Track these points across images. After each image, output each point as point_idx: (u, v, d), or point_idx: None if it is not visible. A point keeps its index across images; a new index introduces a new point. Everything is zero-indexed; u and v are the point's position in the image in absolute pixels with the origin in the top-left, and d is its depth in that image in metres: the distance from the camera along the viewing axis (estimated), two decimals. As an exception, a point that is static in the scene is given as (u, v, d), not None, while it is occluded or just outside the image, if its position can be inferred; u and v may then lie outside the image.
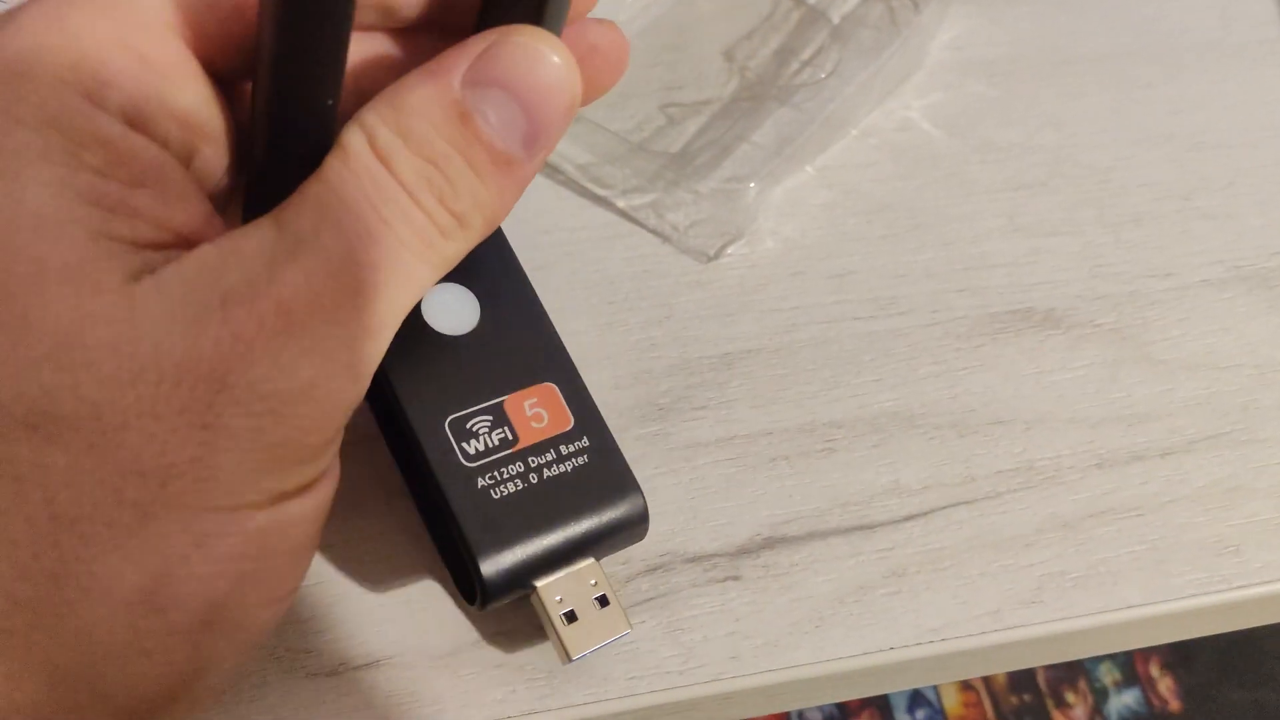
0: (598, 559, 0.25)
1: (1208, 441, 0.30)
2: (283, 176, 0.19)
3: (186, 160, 0.20)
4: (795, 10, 0.35)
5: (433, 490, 0.24)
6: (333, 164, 0.19)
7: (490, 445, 0.24)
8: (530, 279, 0.27)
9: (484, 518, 0.24)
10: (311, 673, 0.25)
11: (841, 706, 0.90)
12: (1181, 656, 0.94)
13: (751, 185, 0.31)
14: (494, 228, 0.21)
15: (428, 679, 0.25)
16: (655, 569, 0.27)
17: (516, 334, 0.25)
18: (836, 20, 0.35)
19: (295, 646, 0.25)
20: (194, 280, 0.18)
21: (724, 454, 0.28)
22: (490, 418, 0.24)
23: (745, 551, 0.27)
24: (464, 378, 0.25)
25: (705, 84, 0.34)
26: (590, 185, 0.32)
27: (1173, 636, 0.29)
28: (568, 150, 0.32)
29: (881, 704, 0.90)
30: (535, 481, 0.24)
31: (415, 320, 0.25)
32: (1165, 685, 0.93)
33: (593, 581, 0.25)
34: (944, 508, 0.28)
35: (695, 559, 0.27)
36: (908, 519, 0.28)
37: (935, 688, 0.91)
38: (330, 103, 0.19)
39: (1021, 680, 0.92)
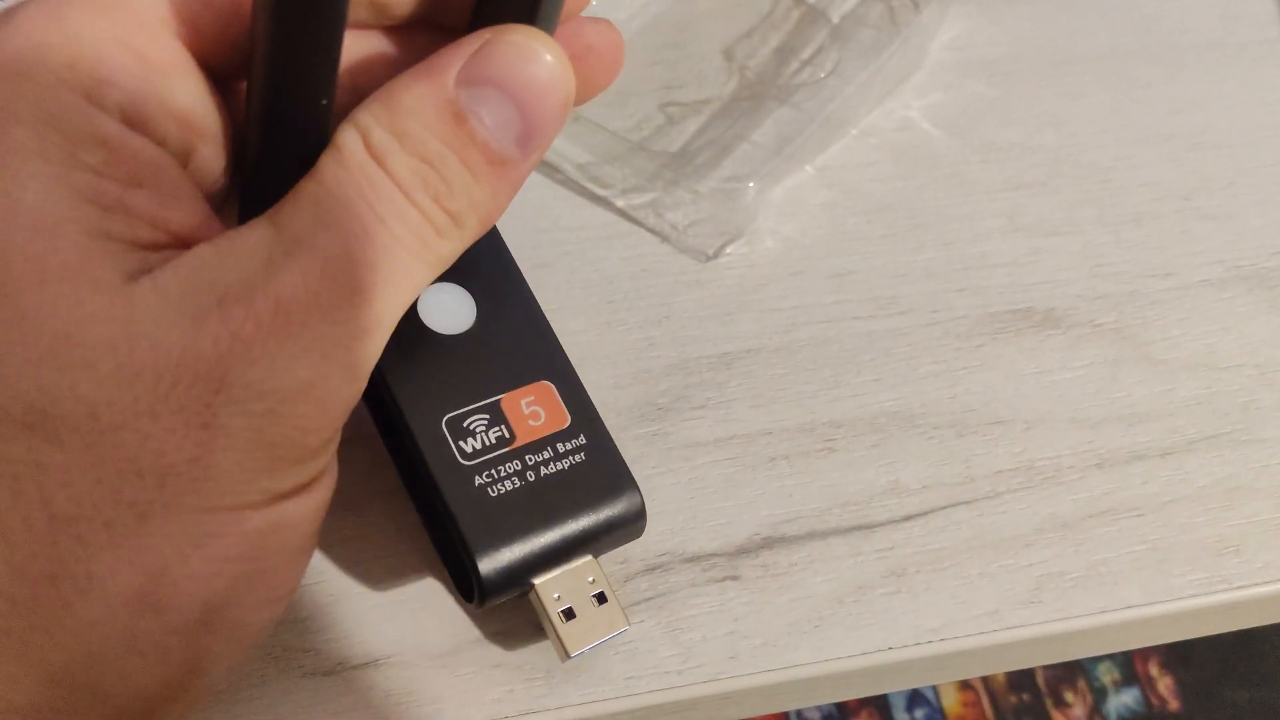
0: (595, 556, 0.25)
1: (1208, 441, 0.30)
2: (278, 176, 0.19)
3: (184, 159, 0.20)
4: (795, 9, 0.35)
5: (430, 489, 0.24)
6: (328, 164, 0.19)
7: (487, 444, 0.24)
8: (529, 278, 0.27)
9: (481, 516, 0.24)
10: (310, 672, 0.25)
11: (840, 706, 0.90)
12: (1181, 656, 0.94)
13: (751, 185, 0.31)
14: (489, 226, 0.21)
15: (426, 678, 0.25)
16: (654, 569, 0.27)
17: (513, 332, 0.25)
18: (836, 20, 0.35)
19: (294, 645, 0.25)
20: (191, 280, 0.18)
21: (723, 453, 0.28)
22: (487, 416, 0.24)
23: (744, 551, 0.27)
24: (461, 377, 0.25)
25: (705, 83, 0.34)
26: (589, 184, 0.32)
27: (1173, 636, 0.29)
28: (567, 149, 0.32)
29: (880, 703, 0.90)
30: (532, 479, 0.24)
31: (412, 319, 0.25)
32: (1164, 685, 0.93)
33: (590, 579, 0.25)
34: (943, 508, 0.28)
35: (694, 559, 0.27)
36: (907, 519, 0.28)
37: (934, 687, 0.91)
38: (325, 102, 0.19)
39: (1020, 680, 0.92)
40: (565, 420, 0.25)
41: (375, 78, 0.20)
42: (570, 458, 0.25)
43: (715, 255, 0.31)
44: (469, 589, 0.24)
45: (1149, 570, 0.28)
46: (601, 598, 0.25)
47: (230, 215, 0.21)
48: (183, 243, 0.19)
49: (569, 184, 0.32)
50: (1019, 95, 0.35)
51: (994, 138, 0.35)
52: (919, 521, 0.28)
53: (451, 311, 0.25)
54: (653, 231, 0.32)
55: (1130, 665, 0.93)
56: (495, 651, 0.26)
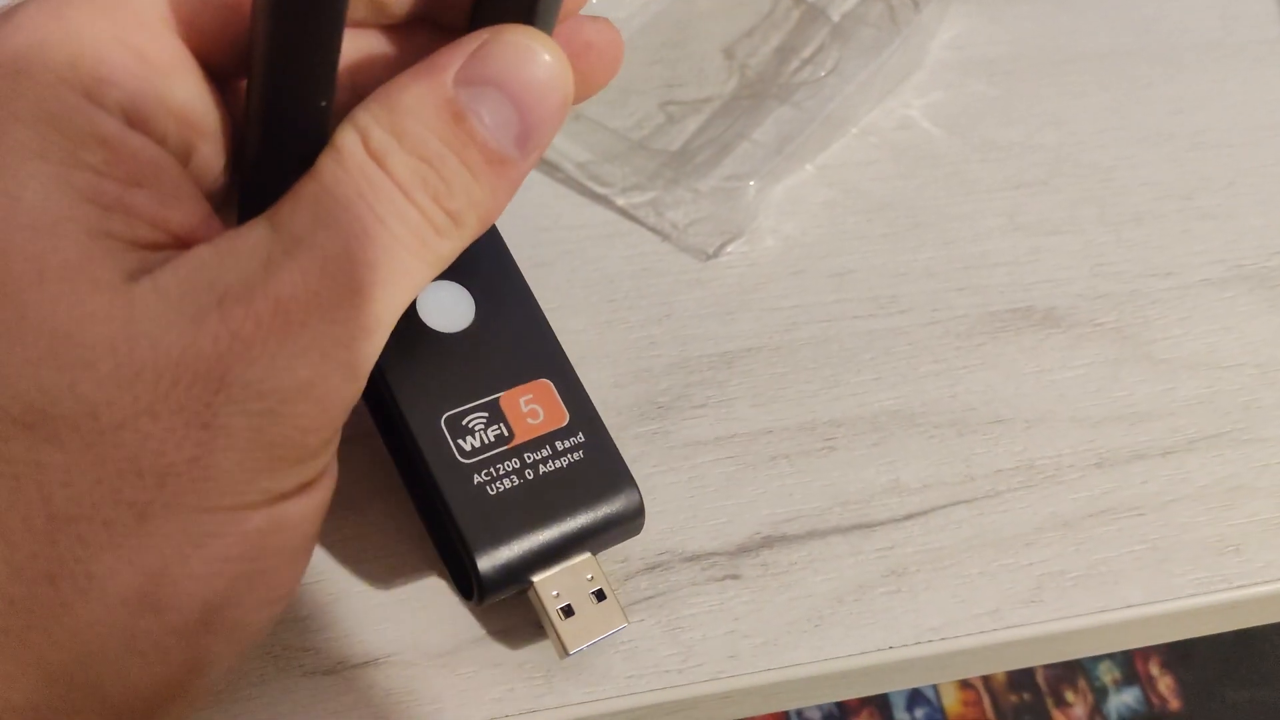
0: (594, 554, 0.25)
1: (1209, 441, 0.30)
2: (277, 177, 0.19)
3: (184, 158, 0.20)
4: (795, 8, 0.35)
5: (429, 487, 0.24)
6: (327, 164, 0.19)
7: (486, 442, 0.24)
8: (529, 277, 0.27)
9: (480, 514, 0.24)
10: (310, 671, 0.25)
11: (841, 705, 0.90)
12: (1181, 655, 0.94)
13: (751, 183, 0.31)
14: (488, 226, 0.21)
15: (426, 677, 0.25)
16: (654, 567, 0.27)
17: (512, 331, 0.25)
18: (837, 18, 0.35)
19: (293, 645, 0.25)
20: (191, 280, 0.18)
21: (723, 452, 0.28)
22: (486, 414, 0.24)
23: (744, 550, 0.27)
24: (459, 375, 0.25)
25: (705, 82, 0.34)
26: (590, 183, 0.32)
27: (1173, 636, 0.29)
28: (567, 148, 0.32)
29: (881, 702, 0.90)
30: (531, 477, 0.24)
31: (411, 318, 0.25)
32: (1165, 684, 0.93)
33: (589, 576, 0.25)
34: (944, 506, 0.28)
35: (694, 557, 0.27)
36: (907, 518, 0.28)
37: (934, 686, 0.91)
38: (324, 103, 0.19)
39: (1021, 679, 0.92)
40: (564, 418, 0.25)
41: (374, 76, 0.20)
42: (569, 455, 0.25)
43: (716, 254, 0.31)
44: (468, 587, 0.24)
45: (1150, 569, 0.28)
46: (600, 595, 0.25)
47: (230, 216, 0.21)
48: (183, 242, 0.19)
49: (569, 182, 0.32)
50: (1019, 94, 0.35)
51: (994, 137, 0.34)
52: (919, 520, 0.28)
53: (450, 310, 0.25)
54: (653, 230, 0.32)
55: (1131, 664, 0.93)
56: (495, 650, 0.25)
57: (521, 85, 0.19)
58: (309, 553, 0.21)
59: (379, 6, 0.21)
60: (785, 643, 0.26)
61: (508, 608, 0.26)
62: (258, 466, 0.18)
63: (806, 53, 0.34)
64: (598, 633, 0.24)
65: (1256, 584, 0.28)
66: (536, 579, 0.24)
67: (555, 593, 0.24)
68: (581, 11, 0.22)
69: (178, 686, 0.19)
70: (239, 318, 0.18)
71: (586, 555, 0.25)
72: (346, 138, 0.19)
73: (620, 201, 0.32)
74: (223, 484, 0.18)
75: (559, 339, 0.26)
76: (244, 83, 0.20)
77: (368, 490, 0.27)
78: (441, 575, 0.26)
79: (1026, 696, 0.91)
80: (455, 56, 0.19)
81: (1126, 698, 0.92)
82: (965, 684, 0.91)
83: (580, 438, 0.25)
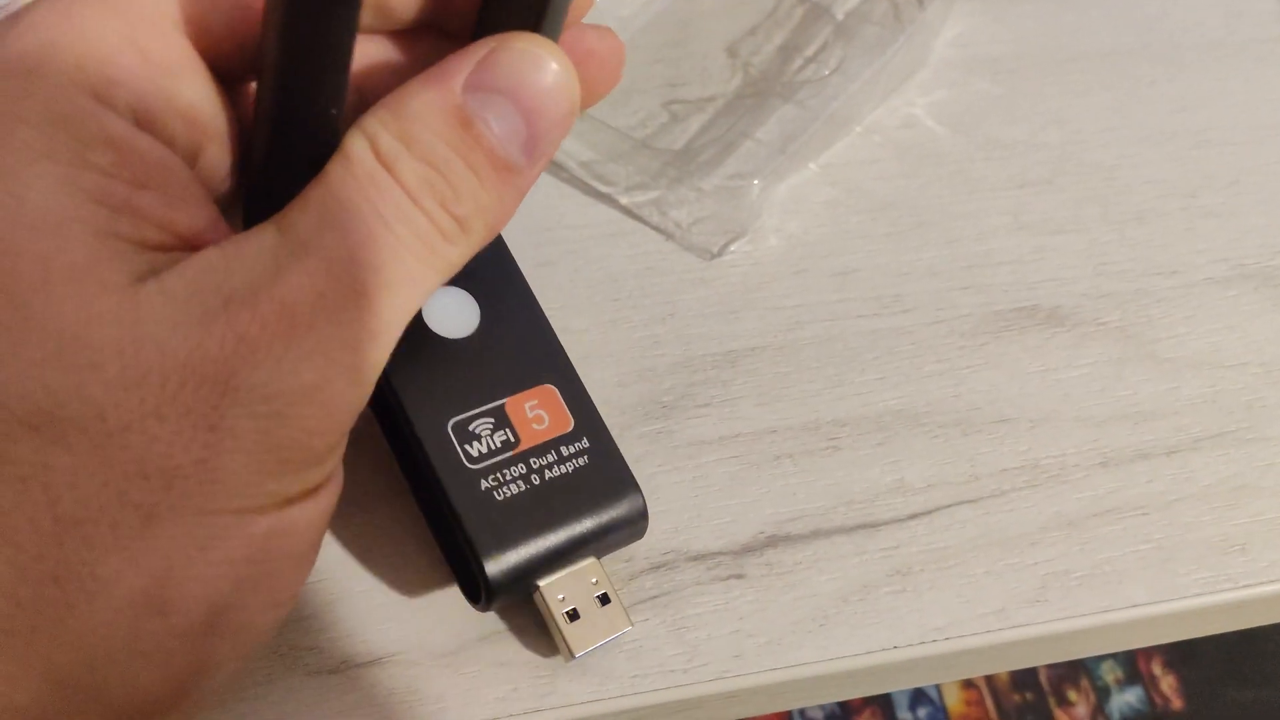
0: (598, 558, 0.25)
1: (1213, 440, 0.30)
2: (285, 182, 0.19)
3: (192, 159, 0.20)
4: (799, 6, 0.35)
5: (437, 492, 0.24)
6: (335, 169, 0.19)
7: (493, 447, 0.24)
8: (532, 276, 0.27)
9: (487, 519, 0.24)
10: (314, 670, 0.25)
11: (843, 705, 0.90)
12: (1184, 655, 0.93)
13: (755, 182, 0.31)
14: (495, 234, 0.21)
15: (430, 677, 0.25)
16: (659, 567, 0.27)
17: (517, 337, 0.26)
18: (840, 17, 0.34)
19: (298, 644, 0.25)
20: (197, 282, 0.18)
21: (727, 452, 0.28)
22: (492, 420, 0.25)
23: (749, 550, 0.27)
24: (466, 381, 0.25)
25: (709, 80, 0.34)
26: (593, 182, 0.32)
27: (1178, 635, 0.29)
28: (571, 147, 0.32)
29: (883, 702, 0.90)
30: (537, 482, 0.24)
31: (417, 324, 0.25)
32: (1168, 683, 0.93)
33: (594, 580, 0.25)
34: (948, 506, 0.28)
35: (699, 557, 0.27)
36: (912, 517, 0.28)
37: (937, 686, 0.91)
38: (334, 112, 0.19)
39: (1023, 678, 0.92)
40: (569, 424, 0.25)
41: (380, 82, 0.20)
42: (573, 461, 0.25)
43: (719, 253, 0.31)
44: (475, 590, 0.24)
45: (1154, 569, 0.28)
46: (605, 599, 0.25)
47: (235, 217, 0.21)
48: (190, 245, 0.19)
49: (573, 181, 0.32)
50: (1023, 93, 0.35)
51: (998, 135, 0.34)
52: (924, 520, 0.28)
53: (456, 316, 0.25)
54: (657, 229, 0.32)
55: (1133, 664, 0.93)
56: (499, 650, 0.25)
57: (529, 93, 0.19)
58: (314, 557, 0.21)
59: (385, 12, 0.21)
60: (790, 642, 0.26)
61: (512, 608, 0.26)
62: (264, 470, 0.18)
63: (810, 51, 0.34)
64: (602, 636, 0.25)
65: (1261, 583, 0.28)
66: (542, 583, 0.24)
67: (561, 597, 0.25)
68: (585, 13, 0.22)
69: (181, 689, 0.19)
70: (245, 321, 0.18)
71: (591, 559, 0.25)
72: (355, 144, 0.19)
73: (624, 200, 0.32)
74: (229, 487, 0.18)
75: (562, 340, 0.26)
76: (251, 85, 0.20)
77: (373, 490, 0.27)
78: (445, 575, 0.26)
79: (1029, 696, 0.91)
80: (463, 64, 0.19)
81: (1129, 697, 0.92)
82: (968, 683, 0.91)
83: (585, 443, 0.25)
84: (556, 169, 0.32)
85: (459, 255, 0.20)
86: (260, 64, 0.19)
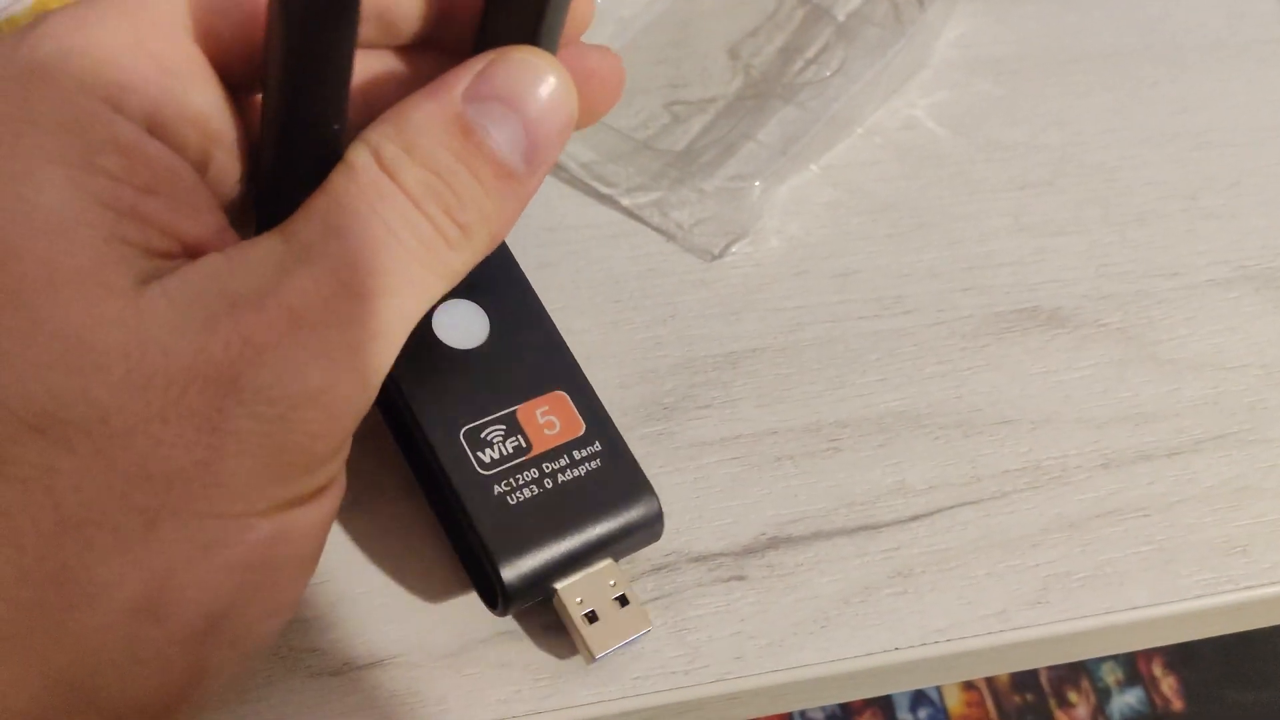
0: (615, 560, 0.25)
1: (1215, 441, 0.30)
2: (291, 193, 0.20)
3: (202, 167, 0.20)
4: (800, 8, 0.35)
5: (451, 499, 0.24)
6: (339, 178, 0.19)
7: (505, 453, 0.25)
8: (534, 278, 0.27)
9: (502, 524, 0.24)
10: (316, 672, 0.25)
11: (844, 706, 0.90)
12: (1184, 656, 0.93)
13: (756, 184, 0.31)
14: (498, 242, 0.21)
15: (432, 678, 0.25)
16: (660, 568, 0.27)
17: (525, 344, 0.26)
18: (841, 18, 0.34)
19: (299, 645, 0.25)
20: (202, 286, 0.18)
21: (729, 453, 0.28)
22: (504, 427, 0.25)
23: (750, 551, 0.27)
24: (476, 389, 0.25)
25: (710, 82, 0.34)
26: (595, 183, 0.32)
27: (1179, 637, 0.29)
28: (572, 148, 0.32)
29: (884, 703, 0.90)
30: (550, 487, 0.25)
31: (426, 335, 0.25)
32: (1168, 685, 0.93)
33: (611, 582, 0.25)
34: (950, 508, 0.28)
35: (700, 559, 0.27)
36: (913, 519, 0.28)
37: (938, 687, 0.91)
38: (336, 128, 0.20)
39: (1024, 679, 0.92)
40: (580, 428, 0.25)
41: (384, 95, 0.21)
42: (586, 464, 0.25)
43: (720, 254, 0.31)
44: (492, 596, 0.24)
45: (1156, 571, 0.28)
46: (623, 600, 0.25)
47: (244, 226, 0.21)
48: (195, 253, 0.19)
49: (574, 182, 0.32)
50: (1024, 94, 0.35)
51: (999, 137, 0.34)
52: (925, 522, 0.28)
53: (465, 327, 0.26)
54: (658, 230, 0.32)
55: (1134, 665, 0.93)
56: (501, 651, 0.25)
57: (528, 102, 0.20)
58: (314, 565, 0.21)
59: (389, 27, 0.21)
60: (791, 644, 0.26)
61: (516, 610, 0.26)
62: (267, 473, 0.18)
63: (811, 52, 0.34)
64: (623, 637, 0.25)
65: (1263, 585, 0.28)
66: (560, 586, 0.25)
67: (579, 599, 0.25)
68: (585, 14, 0.22)
69: (179, 695, 0.19)
70: (251, 323, 0.18)
71: (608, 561, 0.25)
72: (359, 154, 0.19)
73: (625, 202, 0.32)
74: (231, 490, 0.18)
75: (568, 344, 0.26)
76: (258, 97, 0.20)
77: (375, 491, 0.27)
78: (448, 577, 0.26)
79: (1029, 697, 0.91)
80: (463, 75, 0.20)
81: (1129, 698, 0.92)
82: (968, 685, 0.91)
83: (597, 446, 0.25)
84: (558, 170, 0.32)
85: (462, 262, 0.20)
86: (264, 81, 0.19)
